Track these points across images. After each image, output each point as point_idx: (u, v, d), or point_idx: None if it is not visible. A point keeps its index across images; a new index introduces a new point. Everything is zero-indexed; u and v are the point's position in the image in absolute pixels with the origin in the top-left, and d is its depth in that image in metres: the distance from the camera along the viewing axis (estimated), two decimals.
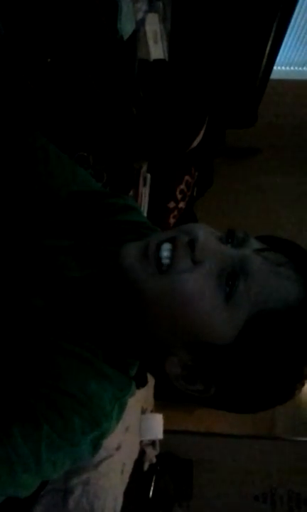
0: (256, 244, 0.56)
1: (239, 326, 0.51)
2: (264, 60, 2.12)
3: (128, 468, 2.00)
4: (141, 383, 2.05)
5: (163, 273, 0.52)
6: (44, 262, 0.64)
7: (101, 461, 1.64)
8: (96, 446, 0.55)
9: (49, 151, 0.77)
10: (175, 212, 2.16)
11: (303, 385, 0.53)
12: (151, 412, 2.56)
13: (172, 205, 2.12)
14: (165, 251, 0.53)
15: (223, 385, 0.55)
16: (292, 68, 2.94)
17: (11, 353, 0.55)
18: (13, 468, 0.46)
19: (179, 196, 2.14)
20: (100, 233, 0.70)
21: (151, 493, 2.52)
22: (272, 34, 2.00)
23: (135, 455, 2.20)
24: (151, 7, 1.69)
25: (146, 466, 2.44)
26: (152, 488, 2.53)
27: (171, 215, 2.14)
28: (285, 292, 0.51)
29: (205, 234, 0.53)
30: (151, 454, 2.48)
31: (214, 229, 0.58)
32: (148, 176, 1.93)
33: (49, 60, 1.14)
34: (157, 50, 1.75)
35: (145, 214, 1.75)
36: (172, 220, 2.16)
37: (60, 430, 0.50)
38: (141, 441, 2.38)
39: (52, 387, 0.52)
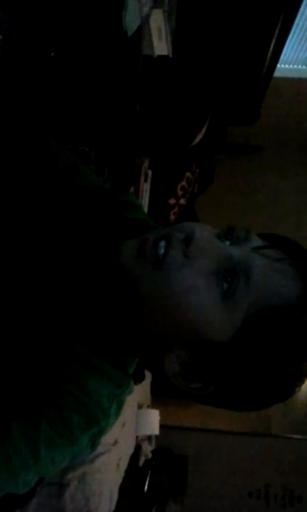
0: (257, 242, 0.56)
1: (237, 324, 0.51)
2: (268, 57, 2.11)
3: (124, 463, 2.02)
4: (138, 379, 2.06)
5: (157, 270, 0.52)
6: (44, 258, 0.64)
7: (97, 456, 1.65)
8: (94, 443, 0.55)
9: (51, 146, 0.76)
10: (176, 209, 2.15)
11: (302, 383, 0.53)
12: (148, 407, 2.57)
13: (173, 201, 2.11)
14: (162, 248, 0.52)
15: (222, 383, 0.55)
16: (295, 66, 2.94)
17: (10, 352, 0.55)
18: (12, 466, 0.46)
19: (180, 193, 2.13)
20: (107, 230, 0.69)
21: (146, 488, 2.54)
22: (276, 32, 2.00)
23: (131, 450, 2.21)
24: (156, 3, 1.69)
25: (141, 462, 2.45)
26: (147, 483, 2.55)
27: (172, 212, 2.14)
28: (284, 289, 0.51)
29: (201, 231, 0.53)
30: (147, 449, 2.50)
31: (213, 227, 0.58)
32: (150, 172, 1.93)
33: (53, 54, 1.14)
34: (161, 47, 1.74)
35: (146, 210, 1.75)
36: (172, 217, 2.16)
37: (58, 428, 0.50)
38: (137, 437, 2.40)
39: (51, 385, 0.52)
